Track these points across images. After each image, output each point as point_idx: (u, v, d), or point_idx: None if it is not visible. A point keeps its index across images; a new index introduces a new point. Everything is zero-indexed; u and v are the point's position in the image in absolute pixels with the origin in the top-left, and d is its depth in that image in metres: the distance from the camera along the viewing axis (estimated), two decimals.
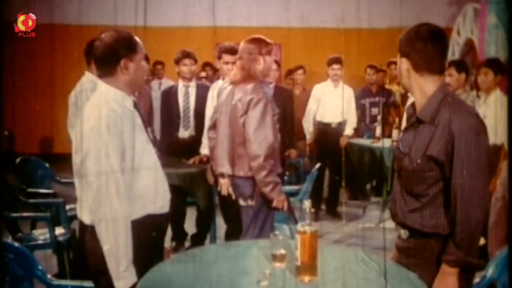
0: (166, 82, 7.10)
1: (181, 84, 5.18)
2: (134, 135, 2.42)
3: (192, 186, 4.47)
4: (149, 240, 2.48)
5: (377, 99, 7.12)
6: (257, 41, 3.59)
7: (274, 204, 3.51)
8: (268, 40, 3.62)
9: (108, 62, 2.43)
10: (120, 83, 2.44)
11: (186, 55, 5.11)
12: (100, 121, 2.33)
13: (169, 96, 5.22)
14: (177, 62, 5.15)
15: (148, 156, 2.48)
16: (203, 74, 7.45)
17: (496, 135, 3.95)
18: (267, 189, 3.49)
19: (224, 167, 3.66)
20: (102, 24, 8.48)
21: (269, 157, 3.47)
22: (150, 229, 2.48)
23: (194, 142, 5.01)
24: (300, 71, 7.26)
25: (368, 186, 6.67)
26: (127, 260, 2.32)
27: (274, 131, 3.53)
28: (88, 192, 2.34)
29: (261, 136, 3.48)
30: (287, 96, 6.00)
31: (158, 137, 5.10)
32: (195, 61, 5.16)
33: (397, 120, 6.10)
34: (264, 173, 3.47)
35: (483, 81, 4.60)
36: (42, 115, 9.65)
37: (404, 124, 5.88)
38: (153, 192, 2.49)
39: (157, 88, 6.85)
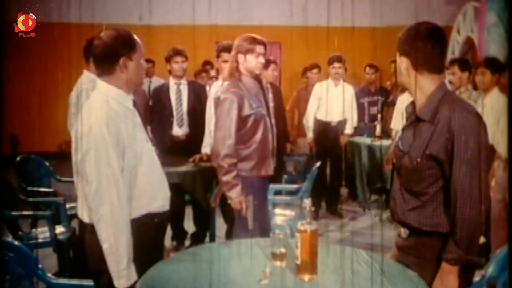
0: (156, 81, 7.09)
1: (172, 82, 5.16)
2: (134, 134, 2.42)
3: (192, 185, 4.47)
4: (149, 239, 2.48)
5: (376, 98, 7.12)
6: (243, 39, 3.62)
7: (232, 205, 3.50)
8: (258, 39, 3.62)
9: (107, 60, 2.43)
10: (120, 81, 2.44)
11: (177, 52, 5.08)
12: (100, 120, 2.32)
13: (161, 94, 5.20)
14: (168, 59, 5.13)
15: (147, 155, 2.48)
16: (204, 74, 7.42)
17: (494, 135, 3.95)
18: (225, 189, 3.50)
19: (214, 163, 3.69)
20: (102, 22, 8.48)
21: (227, 156, 3.47)
22: (150, 228, 2.48)
23: (189, 140, 5.01)
24: (315, 70, 7.27)
25: (367, 190, 6.56)
26: (127, 258, 2.32)
27: (251, 132, 3.53)
28: (88, 191, 2.34)
29: (220, 135, 3.49)
30: (277, 93, 6.05)
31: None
32: (186, 58, 5.13)
33: None
34: (221, 172, 3.49)
35: (480, 80, 4.60)
36: (42, 114, 9.66)
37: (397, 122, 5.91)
38: (152, 191, 2.49)
39: (146, 86, 6.82)
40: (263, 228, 3.56)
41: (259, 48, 3.60)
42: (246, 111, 3.51)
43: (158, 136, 5.07)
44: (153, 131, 5.11)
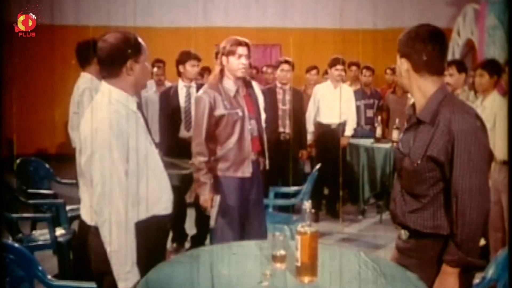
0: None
1: (181, 84, 5.17)
2: (138, 137, 2.41)
3: (190, 187, 4.46)
4: (152, 242, 2.48)
5: (372, 101, 7.11)
6: (226, 41, 3.70)
7: (200, 202, 3.65)
8: (240, 40, 3.68)
9: (114, 63, 2.42)
10: (125, 84, 2.44)
11: (193, 56, 5.11)
12: (104, 122, 2.32)
13: (169, 96, 5.21)
14: (183, 62, 5.13)
15: (151, 157, 2.48)
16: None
17: (494, 137, 3.95)
18: (196, 185, 3.68)
19: None
20: (101, 24, 8.48)
21: (198, 154, 3.61)
22: (153, 231, 2.48)
23: None
24: (314, 71, 7.27)
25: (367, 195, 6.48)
26: (131, 261, 2.32)
27: (226, 133, 3.62)
28: (92, 193, 2.34)
29: (194, 133, 3.71)
30: (297, 97, 6.01)
31: (156, 138, 5.10)
32: (199, 61, 5.18)
33: (397, 120, 6.10)
34: (194, 169, 3.67)
35: (479, 83, 4.61)
36: (41, 115, 9.66)
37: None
38: (156, 194, 2.48)
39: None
40: (240, 230, 3.71)
41: (241, 50, 3.66)
42: (219, 111, 3.61)
43: (165, 138, 5.08)
44: (160, 134, 5.14)
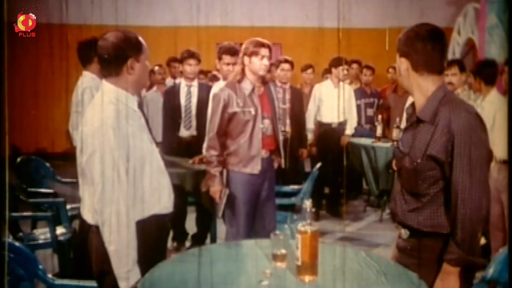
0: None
1: (183, 83, 5.18)
2: (138, 135, 2.42)
3: (192, 186, 4.47)
4: (153, 241, 2.48)
5: (372, 100, 7.10)
6: (249, 42, 3.85)
7: (210, 193, 3.86)
8: (263, 42, 3.83)
9: (114, 62, 2.42)
10: (126, 83, 2.44)
11: (191, 55, 5.12)
12: (105, 121, 2.32)
13: (172, 95, 5.22)
14: (181, 61, 5.17)
15: (152, 156, 2.48)
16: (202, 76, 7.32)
17: (493, 136, 3.95)
18: (207, 177, 3.90)
19: None
20: (102, 24, 8.48)
21: (209, 148, 3.83)
22: (154, 230, 2.48)
23: (196, 142, 5.01)
24: (309, 70, 7.27)
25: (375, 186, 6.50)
26: (132, 260, 2.32)
27: (239, 129, 3.78)
28: (93, 192, 2.34)
29: (208, 128, 3.92)
30: (297, 96, 6.01)
31: (159, 137, 5.10)
32: (199, 61, 5.17)
33: (397, 119, 6.10)
34: (206, 161, 3.94)
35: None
36: (41, 114, 9.65)
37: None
38: (157, 193, 2.49)
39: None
40: (249, 224, 3.87)
41: (264, 51, 3.82)
42: (232, 108, 3.77)
43: (167, 137, 5.10)
44: (163, 132, 5.17)
